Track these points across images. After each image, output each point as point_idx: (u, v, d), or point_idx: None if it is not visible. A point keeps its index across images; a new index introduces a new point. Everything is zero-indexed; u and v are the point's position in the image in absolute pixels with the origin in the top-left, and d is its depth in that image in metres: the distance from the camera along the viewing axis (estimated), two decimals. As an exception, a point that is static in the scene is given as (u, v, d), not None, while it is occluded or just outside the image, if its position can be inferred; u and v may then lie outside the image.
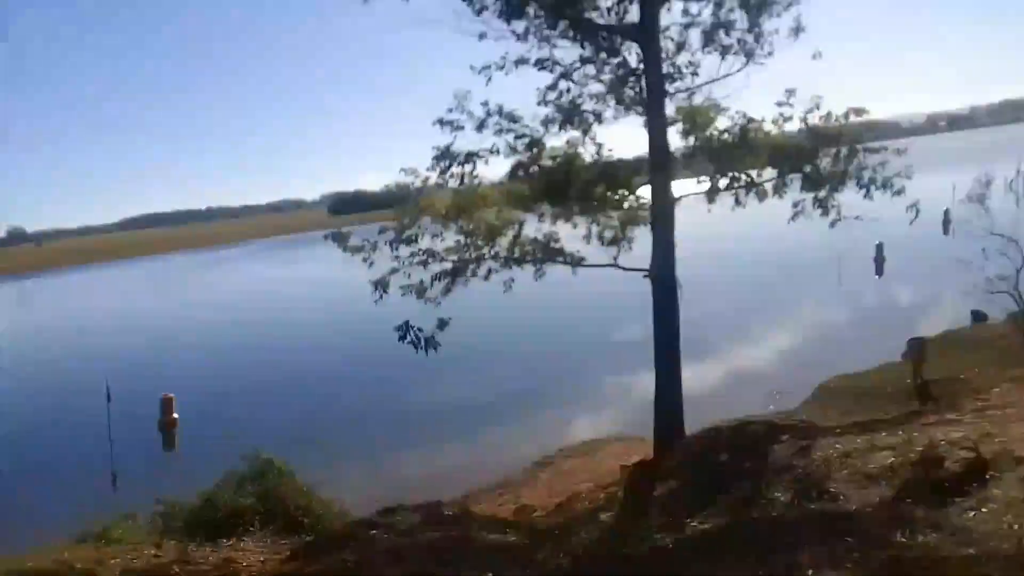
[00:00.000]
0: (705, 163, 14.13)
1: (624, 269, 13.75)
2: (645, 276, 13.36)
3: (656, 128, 13.22)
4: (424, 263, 12.92)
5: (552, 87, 13.47)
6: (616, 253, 13.96)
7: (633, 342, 24.93)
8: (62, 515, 12.68)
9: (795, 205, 13.61)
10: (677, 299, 13.35)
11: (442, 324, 12.55)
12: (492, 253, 13.22)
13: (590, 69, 13.47)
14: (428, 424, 21.43)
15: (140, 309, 61.33)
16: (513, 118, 13.34)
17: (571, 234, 14.05)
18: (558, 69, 13.39)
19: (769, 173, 13.78)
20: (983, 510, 6.63)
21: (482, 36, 13.00)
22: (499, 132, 13.27)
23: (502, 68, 13.17)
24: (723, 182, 13.86)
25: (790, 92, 13.34)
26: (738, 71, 13.39)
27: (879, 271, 37.52)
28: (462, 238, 13.20)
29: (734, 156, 13.50)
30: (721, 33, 13.29)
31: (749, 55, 13.29)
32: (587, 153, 13.81)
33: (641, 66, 13.15)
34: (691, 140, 13.98)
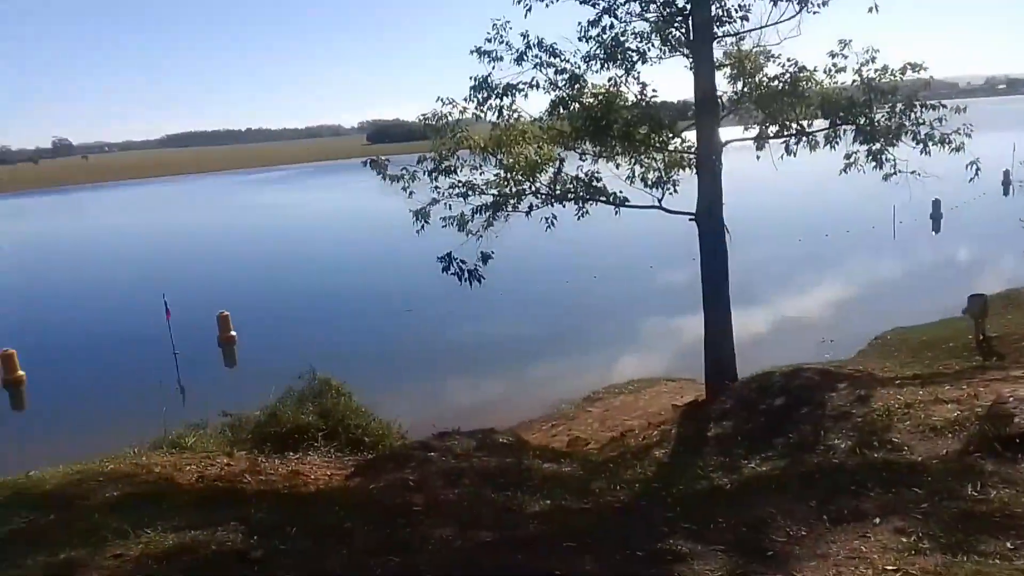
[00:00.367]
0: (753, 110, 13.85)
1: (669, 212, 13.55)
2: (691, 219, 13.19)
3: (703, 71, 12.82)
4: (464, 195, 12.85)
5: (595, 22, 13.06)
6: (660, 195, 13.75)
7: (678, 284, 24.91)
8: (132, 425, 13.28)
9: (847, 157, 13.22)
10: (725, 243, 13.17)
11: (485, 258, 12.53)
12: (533, 189, 13.08)
13: (634, 7, 13.05)
14: (477, 356, 21.76)
15: (190, 227, 62.65)
16: (553, 52, 13.01)
17: (613, 175, 13.80)
18: (601, 4, 12.99)
19: (820, 124, 13.38)
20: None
21: None
22: (538, 66, 12.98)
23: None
24: (772, 129, 13.57)
25: (844, 43, 12.90)
26: (790, 18, 12.78)
27: (936, 228, 36.45)
28: (502, 172, 13.07)
29: (784, 104, 13.14)
30: None
31: (803, 1, 12.63)
32: (630, 92, 13.47)
33: (688, 6, 12.67)
34: (739, 86, 13.67)
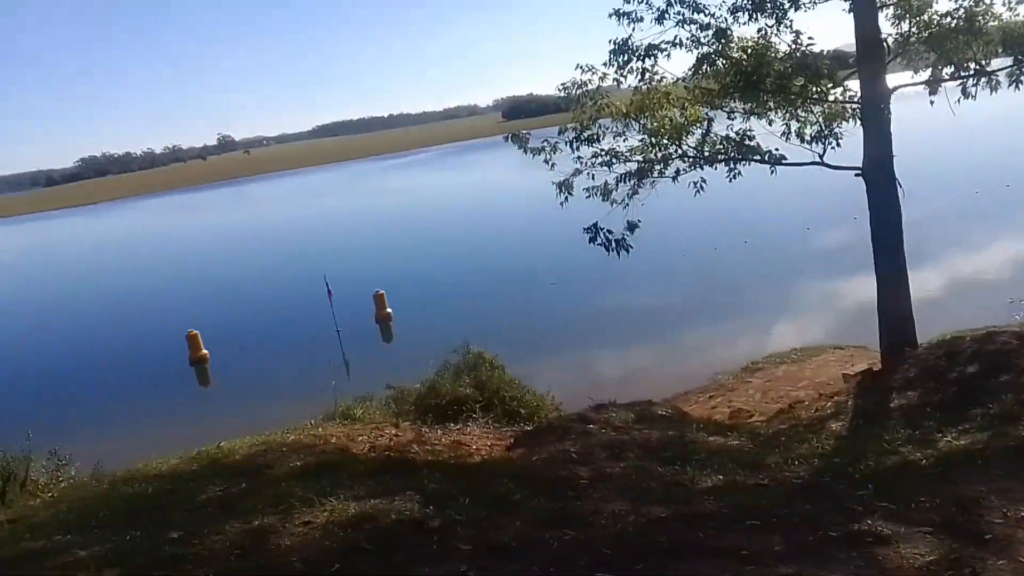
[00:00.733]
0: (923, 52, 12.46)
1: (831, 167, 12.44)
2: (857, 175, 12.10)
3: (864, 12, 11.57)
4: (608, 164, 12.50)
5: None
6: (822, 151, 12.66)
7: (838, 246, 23.29)
8: (304, 398, 14.18)
9: None
10: (898, 199, 12.00)
11: (631, 227, 12.20)
12: (679, 152, 12.50)
13: None
14: (626, 327, 21.43)
15: (342, 212, 66.14)
16: (697, 7, 12.15)
17: (766, 132, 12.90)
18: None
19: (1001, 62, 11.82)
20: None
21: None
22: (681, 23, 12.18)
23: None
24: (947, 71, 12.22)
25: None
26: None
27: None
28: (646, 137, 12.57)
29: (959, 43, 11.70)
30: None
31: None
32: (782, 43, 12.45)
33: None
34: (905, 26, 12.32)
